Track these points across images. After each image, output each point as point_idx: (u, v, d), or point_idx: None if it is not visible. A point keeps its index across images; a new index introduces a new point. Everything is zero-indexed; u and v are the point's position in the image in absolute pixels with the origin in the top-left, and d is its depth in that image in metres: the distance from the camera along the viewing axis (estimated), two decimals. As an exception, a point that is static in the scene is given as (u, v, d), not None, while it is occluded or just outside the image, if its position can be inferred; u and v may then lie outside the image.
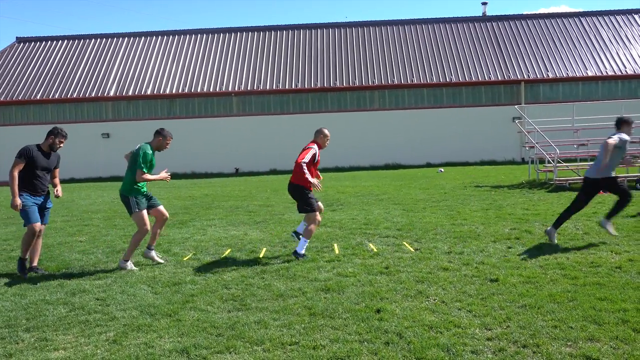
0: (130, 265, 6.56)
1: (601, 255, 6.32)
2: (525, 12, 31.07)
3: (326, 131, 7.15)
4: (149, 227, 6.60)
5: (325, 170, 25.84)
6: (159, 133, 6.73)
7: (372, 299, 4.96)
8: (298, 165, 6.72)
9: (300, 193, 6.91)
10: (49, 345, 4.22)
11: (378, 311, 4.62)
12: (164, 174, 6.83)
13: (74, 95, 27.51)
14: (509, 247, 6.93)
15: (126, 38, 30.97)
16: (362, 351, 3.85)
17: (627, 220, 8.53)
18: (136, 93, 27.53)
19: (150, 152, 6.57)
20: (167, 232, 9.15)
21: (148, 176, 6.54)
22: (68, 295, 5.51)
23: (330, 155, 26.43)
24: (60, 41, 31.12)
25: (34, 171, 6.47)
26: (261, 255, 6.97)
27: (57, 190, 6.93)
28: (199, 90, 27.48)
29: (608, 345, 3.79)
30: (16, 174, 6.32)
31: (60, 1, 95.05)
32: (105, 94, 27.52)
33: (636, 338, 3.87)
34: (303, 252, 6.70)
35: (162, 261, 6.80)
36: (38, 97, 27.47)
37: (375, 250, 7.03)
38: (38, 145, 6.65)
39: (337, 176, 21.14)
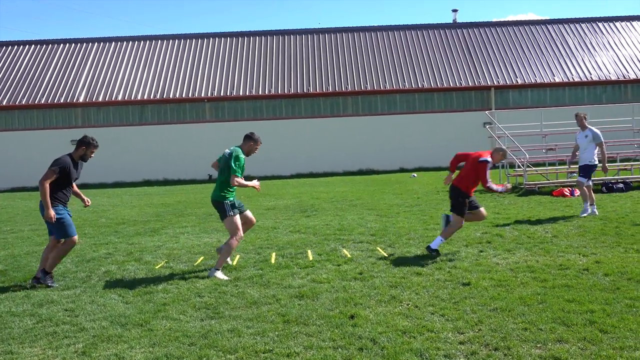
0: (220, 274, 6.22)
1: (569, 257, 6.46)
2: (494, 20, 31.71)
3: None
4: (242, 231, 6.47)
5: (299, 176, 25.83)
6: (250, 137, 6.60)
7: (346, 305, 4.97)
8: None
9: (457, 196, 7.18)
10: (15, 358, 4.10)
11: (352, 317, 4.63)
12: (255, 183, 6.63)
13: (42, 101, 26.91)
14: (481, 251, 7.02)
15: (96, 43, 30.47)
16: (336, 357, 3.85)
17: (594, 223, 8.74)
18: (106, 99, 27.09)
19: (243, 156, 6.45)
20: (139, 240, 9.02)
21: (242, 181, 6.38)
22: (35, 306, 5.37)
23: (304, 161, 26.50)
24: (27, 46, 30.43)
25: (65, 183, 6.30)
26: (234, 263, 6.92)
27: (87, 200, 6.80)
28: (171, 96, 27.20)
29: (576, 346, 3.87)
30: (48, 184, 6.10)
31: (26, 5, 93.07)
32: (74, 100, 27.00)
33: (603, 339, 3.97)
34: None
35: (226, 278, 6.21)
36: (4, 103, 26.80)
37: (349, 256, 7.04)
38: (70, 155, 6.44)
39: (311, 182, 21.15)
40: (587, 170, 9.84)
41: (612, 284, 5.29)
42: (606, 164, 9.95)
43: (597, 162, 9.89)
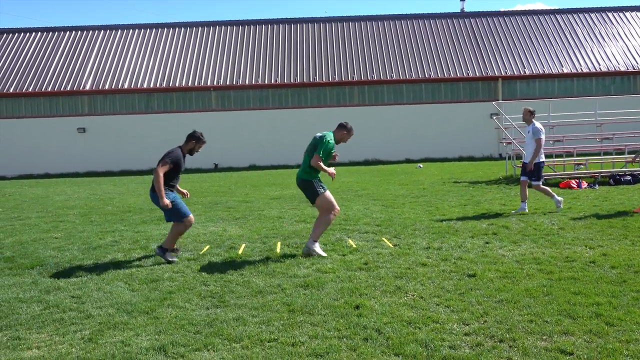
0: (318, 248, 6.47)
1: (576, 250, 6.43)
2: (502, 9, 31.44)
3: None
4: (337, 206, 6.63)
5: (304, 165, 25.82)
6: (344, 127, 6.71)
7: (351, 295, 4.97)
8: None
9: None
10: (22, 344, 4.13)
11: (357, 307, 4.63)
12: (332, 170, 6.63)
13: (49, 89, 26.98)
14: (487, 243, 7.00)
15: (102, 31, 30.46)
16: (341, 347, 3.85)
17: (601, 215, 8.69)
18: (113, 87, 27.13)
19: (332, 142, 6.52)
20: (145, 228, 9.05)
21: (322, 164, 6.43)
22: (42, 293, 5.41)
23: (309, 151, 26.45)
24: (34, 33, 30.46)
25: (175, 173, 6.62)
26: (240, 252, 6.94)
27: (186, 193, 7.09)
28: (177, 85, 27.20)
29: (582, 339, 3.86)
30: (162, 174, 6.39)
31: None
32: (81, 88, 27.06)
33: (609, 331, 3.95)
34: None
35: (324, 254, 6.47)
36: (11, 91, 26.88)
37: (354, 246, 7.04)
38: (180, 148, 6.74)
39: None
40: (537, 171, 9.37)
41: (619, 276, 5.26)
42: (533, 162, 9.33)
43: (543, 159, 9.45)
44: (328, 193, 6.62)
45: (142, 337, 4.18)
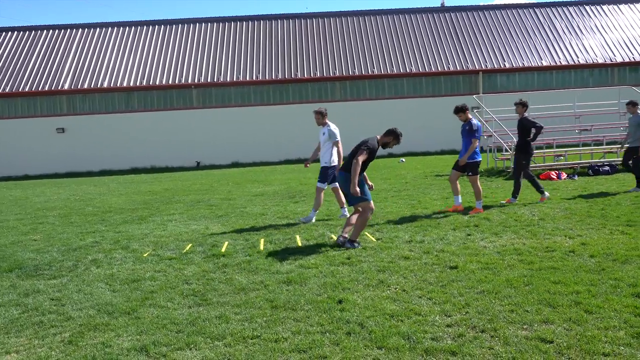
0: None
1: (556, 240, 6.51)
2: (482, 4, 31.66)
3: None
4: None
5: (287, 162, 25.79)
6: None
7: (334, 290, 4.98)
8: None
9: None
10: (0, 348, 4.06)
11: (340, 302, 4.64)
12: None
13: (27, 89, 26.53)
14: (468, 235, 7.06)
15: (80, 29, 30.01)
16: (324, 342, 3.85)
17: (580, 205, 8.81)
18: (92, 86, 26.76)
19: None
20: (126, 228, 8.96)
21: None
22: (21, 296, 5.32)
23: (292, 147, 26.40)
24: (9, 32, 29.90)
25: (367, 162, 6.80)
26: (223, 250, 6.90)
27: (371, 185, 7.17)
28: (157, 83, 26.92)
29: (562, 327, 3.91)
30: (361, 162, 6.59)
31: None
32: (59, 88, 26.65)
33: (587, 319, 4.01)
34: None
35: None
36: (-13, 91, 26.38)
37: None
38: (377, 139, 6.90)
39: (300, 168, 21.10)
40: (324, 173, 8.65)
41: (598, 265, 5.34)
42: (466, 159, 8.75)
43: (334, 164, 8.61)
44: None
45: (124, 337, 4.13)
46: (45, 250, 7.42)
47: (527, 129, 9.51)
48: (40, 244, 7.90)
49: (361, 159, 6.59)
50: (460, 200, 9.05)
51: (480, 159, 9.13)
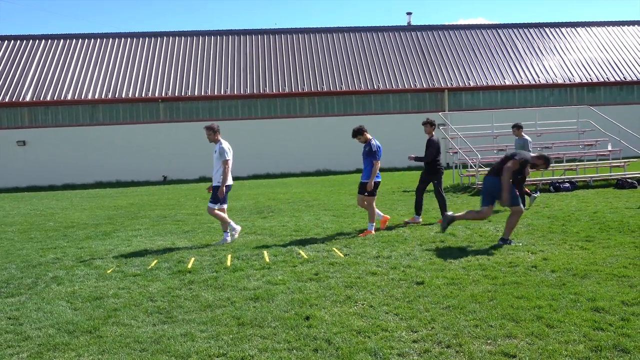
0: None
1: (519, 255, 6.66)
2: (447, 24, 32.43)
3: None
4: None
5: (256, 177, 25.68)
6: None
7: (302, 306, 4.96)
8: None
9: None
10: (-47, 370, 3.90)
11: (307, 318, 4.62)
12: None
13: (-14, 100, 25.78)
14: (434, 250, 7.15)
15: (43, 40, 29.42)
16: (290, 359, 3.83)
17: (543, 221, 9.04)
18: (55, 98, 26.20)
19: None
20: (89, 244, 8.75)
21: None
22: (-24, 315, 5.12)
23: (261, 162, 26.34)
24: (-31, 42, 29.09)
25: (517, 174, 7.44)
26: (189, 266, 6.80)
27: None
28: (123, 96, 26.55)
29: (524, 341, 3.98)
30: (513, 170, 7.24)
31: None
32: (20, 99, 25.99)
33: (549, 333, 4.10)
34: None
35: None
36: (-56, 102, 25.51)
37: (305, 257, 7.04)
38: (530, 157, 7.49)
39: (268, 183, 21.05)
40: (215, 194, 8.22)
41: (559, 280, 5.48)
42: (224, 188, 8.15)
43: (231, 183, 8.32)
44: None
45: (85, 357, 4.02)
46: (2, 267, 7.17)
47: (435, 149, 9.73)
48: (-3, 261, 7.63)
49: (514, 165, 7.17)
50: (373, 227, 8.68)
51: (380, 180, 9.06)
